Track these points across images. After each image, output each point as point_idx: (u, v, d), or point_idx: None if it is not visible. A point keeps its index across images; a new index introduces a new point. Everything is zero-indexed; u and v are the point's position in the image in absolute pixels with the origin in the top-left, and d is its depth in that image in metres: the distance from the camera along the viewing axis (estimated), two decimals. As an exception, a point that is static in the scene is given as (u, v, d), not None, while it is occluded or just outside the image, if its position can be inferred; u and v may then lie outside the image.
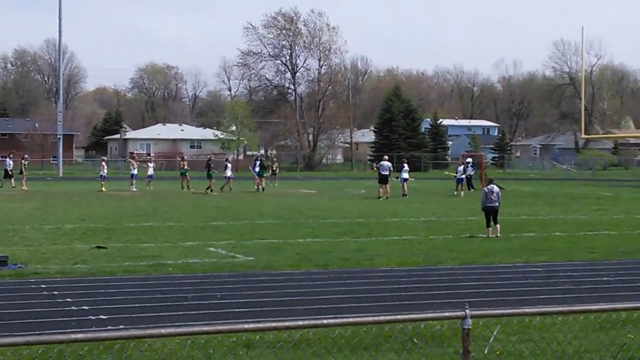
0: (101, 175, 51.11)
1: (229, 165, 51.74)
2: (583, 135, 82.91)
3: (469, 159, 52.17)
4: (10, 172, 53.89)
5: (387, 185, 43.79)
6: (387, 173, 43.96)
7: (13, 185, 52.11)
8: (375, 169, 49.21)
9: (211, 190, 48.26)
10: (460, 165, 50.87)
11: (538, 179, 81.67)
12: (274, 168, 62.04)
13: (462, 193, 47.57)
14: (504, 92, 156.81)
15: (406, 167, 47.80)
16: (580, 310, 8.66)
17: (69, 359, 9.61)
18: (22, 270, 17.52)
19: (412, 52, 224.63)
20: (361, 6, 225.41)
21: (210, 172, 49.61)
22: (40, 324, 12.44)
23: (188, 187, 50.88)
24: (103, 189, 49.27)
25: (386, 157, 46.39)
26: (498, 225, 25.56)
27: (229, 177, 50.53)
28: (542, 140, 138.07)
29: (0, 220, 29.51)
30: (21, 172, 51.15)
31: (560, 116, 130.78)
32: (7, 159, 56.36)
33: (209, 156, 54.12)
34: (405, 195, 45.31)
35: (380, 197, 43.77)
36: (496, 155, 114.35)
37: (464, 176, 49.01)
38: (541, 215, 34.44)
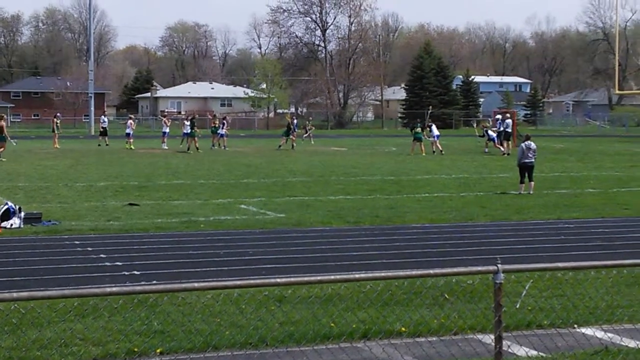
0: (127, 133, 51.15)
1: (225, 123, 52.60)
2: (616, 91, 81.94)
3: (494, 122, 50.96)
4: (105, 130, 54.68)
5: (509, 142, 46.58)
6: (510, 130, 47.43)
7: (107, 143, 52.55)
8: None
9: (188, 149, 47.13)
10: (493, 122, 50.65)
11: (571, 135, 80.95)
12: (308, 127, 63.15)
13: (501, 148, 46.26)
14: (537, 48, 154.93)
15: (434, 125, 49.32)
16: (613, 265, 8.61)
17: (103, 312, 9.73)
18: (56, 227, 17.72)
19: (443, 8, 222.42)
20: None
21: (193, 131, 47.73)
22: (75, 279, 12.59)
23: (219, 145, 51.02)
24: (132, 147, 49.54)
25: (508, 115, 49.42)
26: (532, 183, 25.40)
27: (222, 135, 51.04)
28: (574, 96, 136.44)
29: (34, 178, 29.81)
30: (53, 131, 51.52)
31: (593, 72, 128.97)
32: (103, 117, 56.99)
33: (192, 114, 54.10)
34: (442, 152, 45.85)
35: (410, 154, 44.58)
36: (528, 112, 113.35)
37: (494, 134, 48.06)
38: (574, 172, 34.20)
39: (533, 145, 25.79)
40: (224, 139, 51.29)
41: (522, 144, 25.99)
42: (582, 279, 11.87)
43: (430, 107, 60.20)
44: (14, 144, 41.65)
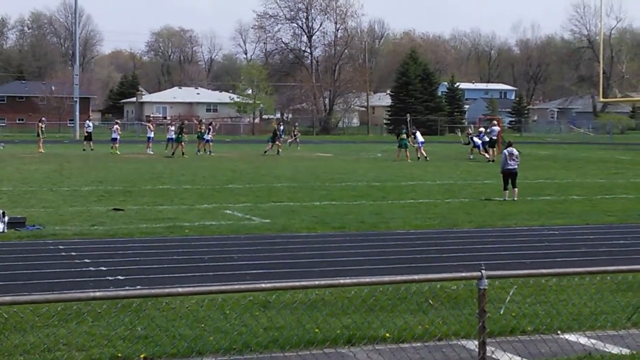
0: (114, 138, 51.08)
1: (211, 128, 52.63)
2: (601, 99, 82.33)
3: (480, 130, 51.11)
4: (90, 134, 54.44)
5: (494, 149, 46.54)
6: (496, 137, 48.19)
7: (92, 148, 52.36)
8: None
9: (173, 154, 47.15)
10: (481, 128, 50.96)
11: (555, 142, 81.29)
12: (295, 133, 63.31)
13: (485, 155, 46.41)
14: (522, 56, 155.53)
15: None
16: (597, 271, 8.67)
17: (87, 317, 9.69)
18: (40, 232, 17.65)
19: (429, 15, 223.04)
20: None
21: (180, 136, 47.55)
22: (59, 284, 12.53)
23: (205, 150, 51.01)
24: (117, 151, 49.48)
25: (495, 122, 51.06)
26: (516, 189, 25.47)
27: (207, 140, 51.10)
28: (559, 103, 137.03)
29: (18, 182, 29.69)
30: (38, 135, 51.35)
31: (578, 79, 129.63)
32: (87, 122, 56.73)
33: (182, 120, 54.07)
34: (427, 158, 45.95)
35: (396, 160, 44.70)
36: (513, 119, 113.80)
37: (479, 141, 48.08)
38: (558, 178, 34.33)
39: (515, 151, 25.88)
40: (209, 144, 51.30)
41: (505, 151, 26.11)
42: (565, 286, 11.91)
43: (408, 114, 60.93)
44: (1, 147, 41.50)
